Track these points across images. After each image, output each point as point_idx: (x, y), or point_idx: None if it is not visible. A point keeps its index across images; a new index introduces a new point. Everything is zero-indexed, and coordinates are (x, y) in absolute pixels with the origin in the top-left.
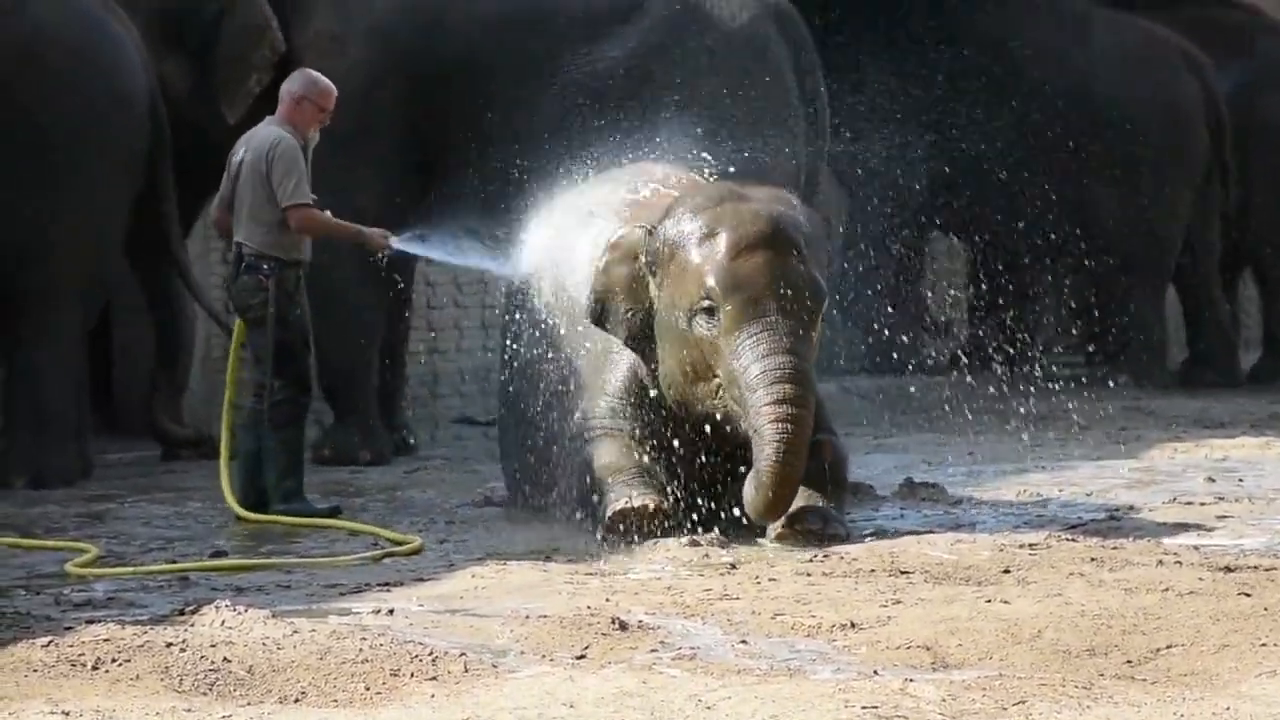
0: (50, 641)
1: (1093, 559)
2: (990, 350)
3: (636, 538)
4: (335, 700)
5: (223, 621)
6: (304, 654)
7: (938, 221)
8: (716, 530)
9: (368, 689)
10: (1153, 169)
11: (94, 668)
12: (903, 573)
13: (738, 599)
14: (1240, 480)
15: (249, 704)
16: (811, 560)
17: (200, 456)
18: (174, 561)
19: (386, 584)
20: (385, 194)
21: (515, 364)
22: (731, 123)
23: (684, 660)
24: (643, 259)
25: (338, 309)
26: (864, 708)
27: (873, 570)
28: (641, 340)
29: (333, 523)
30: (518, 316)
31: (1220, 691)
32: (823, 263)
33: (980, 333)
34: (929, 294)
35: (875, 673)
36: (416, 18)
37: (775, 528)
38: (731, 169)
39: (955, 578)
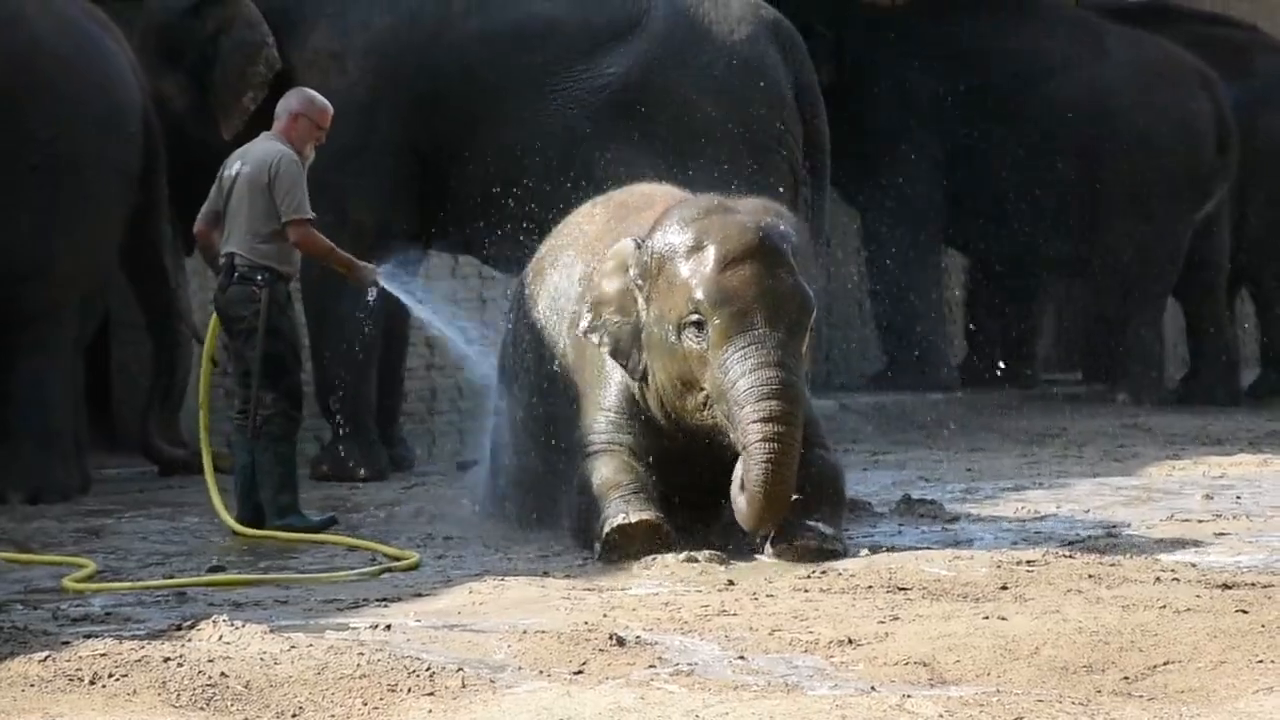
0: (47, 656)
1: (1090, 576)
2: (991, 366)
3: (634, 553)
4: (333, 715)
5: (220, 637)
6: (301, 669)
7: (950, 234)
8: (714, 546)
9: (365, 704)
10: (1162, 186)
11: (91, 683)
12: (900, 589)
13: (735, 615)
14: (1238, 498)
15: (246, 719)
16: (809, 576)
17: (197, 473)
18: (171, 576)
19: (384, 599)
20: (384, 210)
21: (513, 374)
22: (729, 139)
23: (681, 676)
24: (632, 272)
25: (335, 325)
26: None
27: (870, 587)
28: (628, 353)
29: (330, 538)
30: (516, 331)
31: (1217, 708)
32: (812, 275)
33: (979, 348)
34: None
35: (873, 689)
36: (414, 35)
37: (773, 544)
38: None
39: (953, 594)
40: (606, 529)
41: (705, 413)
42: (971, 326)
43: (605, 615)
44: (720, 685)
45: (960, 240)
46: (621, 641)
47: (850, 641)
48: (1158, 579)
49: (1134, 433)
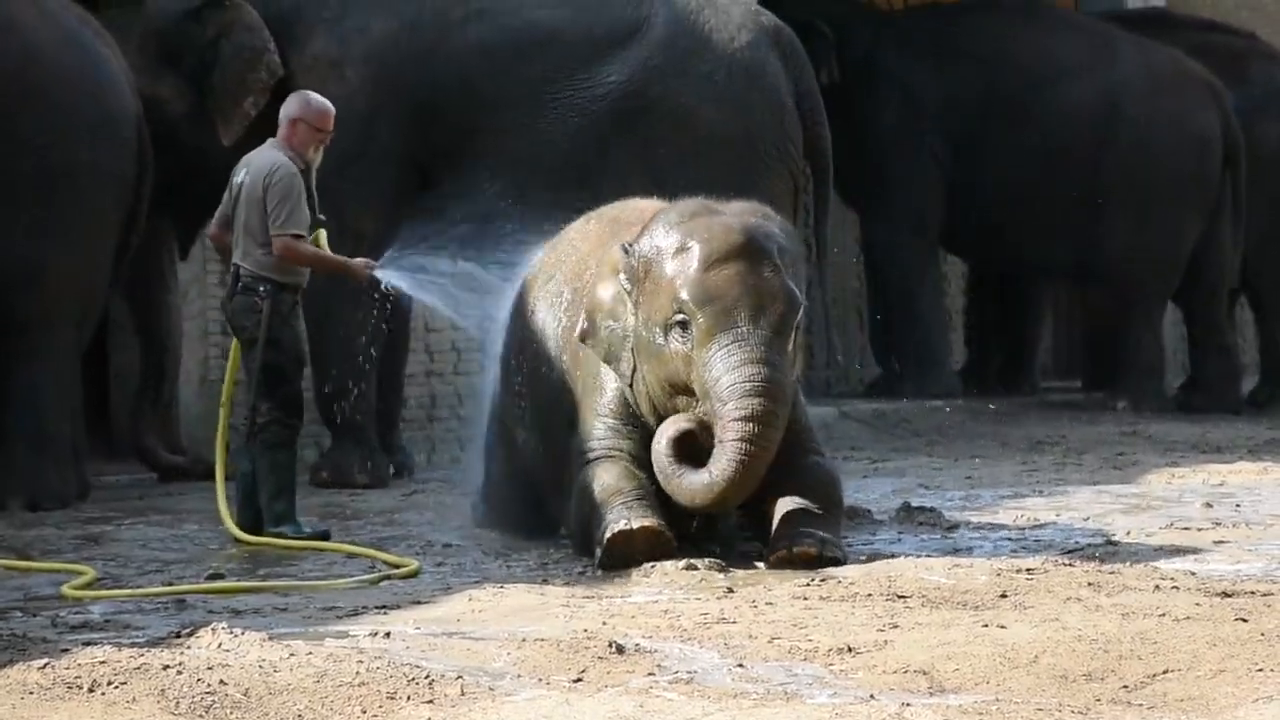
0: (46, 664)
1: (1090, 584)
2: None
3: (636, 560)
4: None
5: (219, 644)
6: (301, 677)
7: (950, 240)
8: (713, 554)
9: (364, 712)
10: (1166, 195)
11: (90, 690)
12: (900, 597)
13: (735, 623)
14: (1238, 505)
15: None
16: (808, 584)
17: (195, 479)
18: (171, 584)
19: (383, 607)
20: (385, 217)
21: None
22: (730, 146)
23: (681, 684)
24: (621, 276)
25: (335, 331)
26: None
27: (870, 594)
28: (619, 357)
29: (330, 545)
30: (513, 343)
31: (1216, 717)
32: (801, 275)
33: (979, 355)
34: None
35: (872, 697)
36: (413, 42)
37: (772, 551)
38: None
39: (952, 602)
40: (608, 535)
41: (696, 414)
42: (972, 333)
43: (604, 623)
44: (719, 693)
45: (961, 247)
46: (621, 649)
47: (849, 649)
48: (1157, 587)
49: (1134, 440)
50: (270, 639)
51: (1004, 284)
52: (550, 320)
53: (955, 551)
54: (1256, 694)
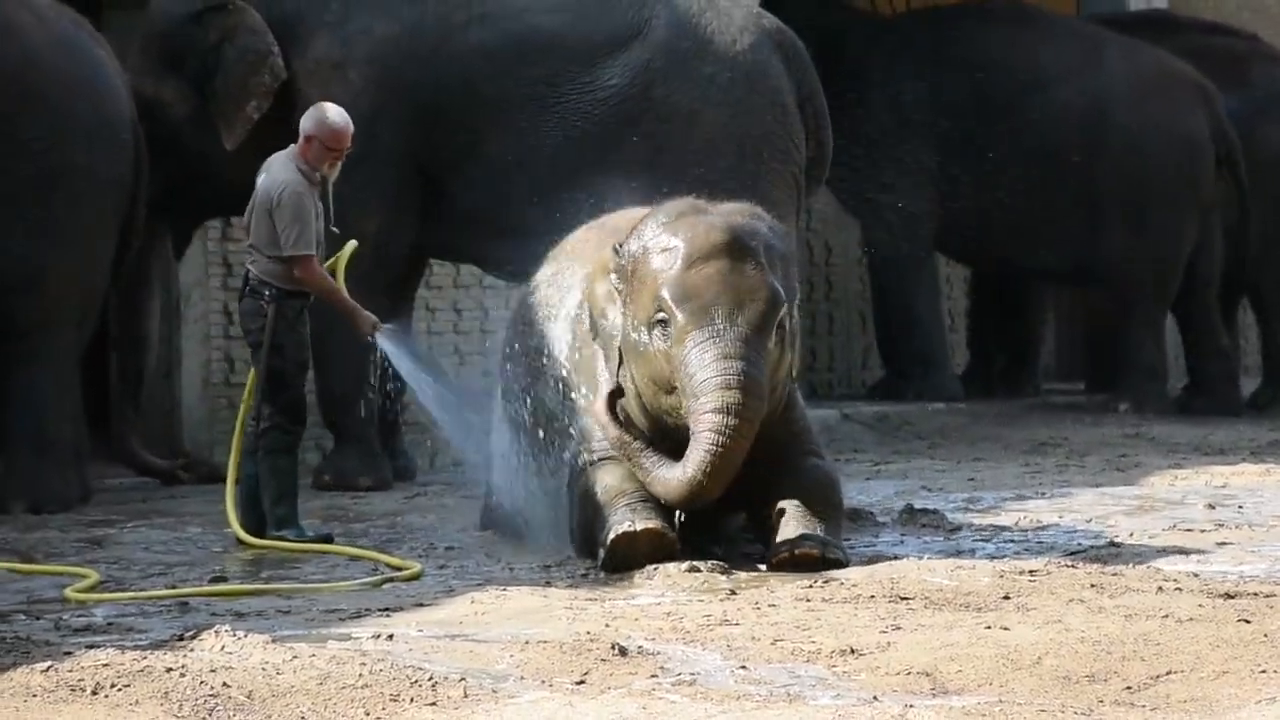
0: (50, 667)
1: (1093, 585)
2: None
3: (639, 562)
4: None
5: (222, 646)
6: (304, 679)
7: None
8: (716, 556)
9: (367, 714)
10: (1162, 197)
11: (94, 693)
12: (902, 599)
13: (737, 625)
14: (1240, 507)
15: None
16: (811, 586)
17: (196, 482)
18: (174, 586)
19: (386, 609)
20: (389, 220)
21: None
22: (732, 150)
23: (684, 686)
24: (612, 275)
25: (337, 335)
26: None
27: (872, 596)
28: (609, 356)
29: (334, 548)
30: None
31: (1219, 718)
32: (791, 275)
33: (981, 357)
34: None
35: (875, 699)
36: (416, 45)
37: (774, 554)
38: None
39: (955, 604)
40: (611, 537)
41: (681, 413)
42: (974, 336)
43: (607, 625)
44: (722, 695)
45: (958, 252)
46: (624, 651)
47: (852, 651)
48: (1160, 588)
49: (1136, 442)
50: (273, 641)
51: (1006, 286)
52: (551, 327)
53: (958, 553)
54: (1259, 695)
